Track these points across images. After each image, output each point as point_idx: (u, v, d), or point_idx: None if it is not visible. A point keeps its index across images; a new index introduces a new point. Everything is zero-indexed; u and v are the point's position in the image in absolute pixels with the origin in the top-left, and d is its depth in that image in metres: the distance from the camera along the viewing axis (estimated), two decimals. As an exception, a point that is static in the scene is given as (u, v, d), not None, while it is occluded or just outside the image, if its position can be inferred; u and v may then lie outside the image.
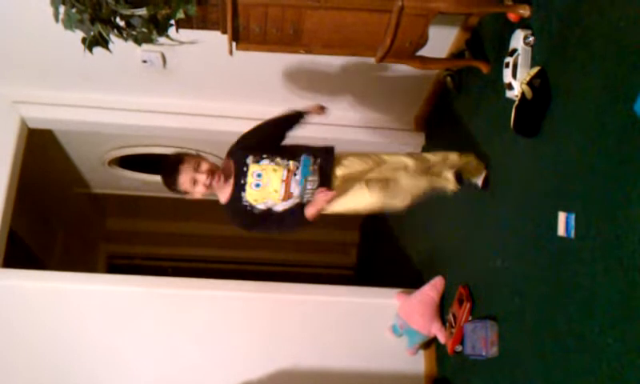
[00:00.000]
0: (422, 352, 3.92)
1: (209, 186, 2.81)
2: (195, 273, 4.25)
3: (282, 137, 3.02)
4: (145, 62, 3.87)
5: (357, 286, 4.31)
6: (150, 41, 2.65)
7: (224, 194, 2.89)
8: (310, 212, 2.86)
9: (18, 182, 4.19)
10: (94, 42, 2.59)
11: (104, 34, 2.55)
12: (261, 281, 4.08)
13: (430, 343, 3.87)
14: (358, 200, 3.04)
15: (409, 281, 4.11)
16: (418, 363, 3.91)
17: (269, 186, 2.83)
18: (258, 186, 2.84)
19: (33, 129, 4.34)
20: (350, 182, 3.03)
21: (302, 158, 2.90)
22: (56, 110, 4.23)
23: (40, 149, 4.61)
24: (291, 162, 2.87)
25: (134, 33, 2.61)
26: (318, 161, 2.94)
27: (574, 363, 2.25)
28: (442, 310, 3.69)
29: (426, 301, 3.67)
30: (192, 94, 4.27)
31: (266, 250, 6.96)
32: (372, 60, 3.12)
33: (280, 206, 2.90)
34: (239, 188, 2.85)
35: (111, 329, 3.85)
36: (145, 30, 2.60)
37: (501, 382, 2.88)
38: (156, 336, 3.87)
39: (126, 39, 2.64)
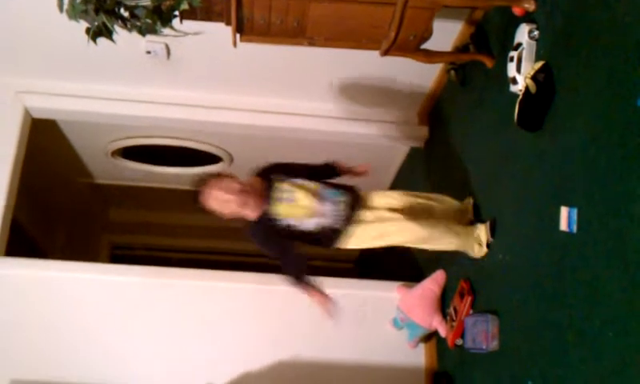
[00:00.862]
0: (422, 345, 3.93)
1: (241, 206, 2.83)
2: (197, 264, 4.25)
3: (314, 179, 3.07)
4: (149, 52, 3.87)
5: (358, 279, 4.29)
6: (154, 32, 2.66)
7: (254, 212, 2.90)
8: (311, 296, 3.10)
9: (21, 172, 4.20)
10: (98, 32, 2.59)
11: (108, 25, 2.56)
12: (262, 273, 4.09)
13: (431, 336, 3.87)
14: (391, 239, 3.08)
15: (410, 274, 4.12)
16: (419, 356, 3.92)
17: (299, 202, 2.90)
18: (290, 200, 2.89)
19: (36, 119, 4.34)
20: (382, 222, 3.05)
21: (331, 188, 2.99)
22: (60, 100, 4.23)
23: (43, 139, 4.61)
24: (321, 186, 2.97)
25: (138, 23, 2.61)
26: (347, 195, 3.01)
27: (574, 357, 2.26)
28: (443, 303, 3.69)
29: (427, 294, 3.68)
30: (196, 85, 4.27)
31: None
32: (376, 53, 3.12)
33: (305, 224, 2.93)
34: (269, 203, 2.89)
35: (113, 318, 3.87)
36: (149, 20, 2.60)
37: (501, 375, 2.89)
38: (157, 326, 3.89)
39: (130, 30, 2.64)
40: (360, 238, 3.03)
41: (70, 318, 3.85)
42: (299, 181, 2.97)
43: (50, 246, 6.43)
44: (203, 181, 2.88)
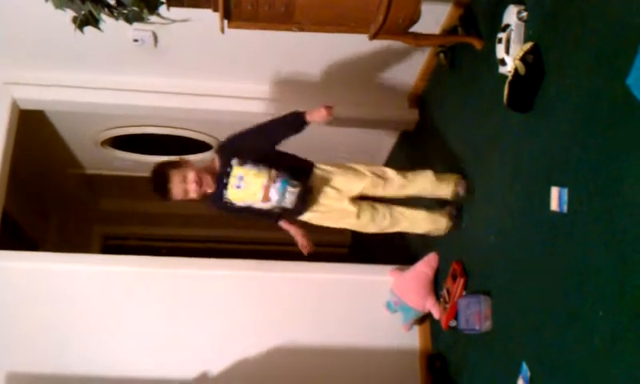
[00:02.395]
0: (416, 327, 3.96)
1: (199, 191, 3.03)
2: (190, 252, 4.25)
3: (278, 142, 3.18)
4: (136, 41, 3.84)
5: (351, 263, 4.31)
6: (140, 19, 2.64)
7: (211, 189, 3.09)
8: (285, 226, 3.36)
9: (10, 164, 4.17)
10: (85, 21, 2.57)
11: (94, 13, 2.54)
12: (256, 259, 4.10)
13: (425, 319, 3.90)
14: (346, 222, 3.40)
15: (403, 258, 4.13)
16: (413, 339, 3.95)
17: (249, 189, 3.03)
18: (239, 187, 3.04)
19: (24, 110, 4.31)
20: (338, 199, 3.29)
21: (282, 174, 3.05)
22: (47, 90, 4.20)
23: (32, 130, 4.58)
24: (273, 171, 3.03)
25: (125, 11, 2.60)
26: (297, 182, 3.09)
27: (566, 336, 2.28)
28: (436, 285, 3.71)
29: (420, 277, 3.70)
30: (184, 73, 4.24)
31: (260, 230, 6.96)
32: (365, 37, 3.11)
33: (258, 205, 3.09)
34: (222, 186, 3.06)
35: (107, 309, 3.87)
36: (135, 8, 2.58)
37: (495, 356, 2.91)
38: (151, 316, 3.89)
39: (116, 18, 2.62)
40: (318, 218, 3.33)
41: (64, 309, 3.84)
42: (250, 166, 3.03)
43: (42, 238, 6.41)
44: (162, 174, 3.02)
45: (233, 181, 3.03)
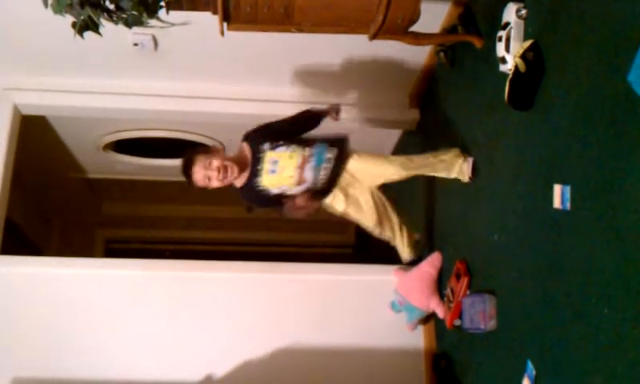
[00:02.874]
0: (421, 327, 3.95)
1: (222, 180, 2.99)
2: (193, 255, 4.26)
3: (298, 134, 3.16)
4: (136, 45, 3.84)
5: (355, 264, 4.30)
6: (140, 23, 2.64)
7: (240, 180, 3.07)
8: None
9: (13, 169, 4.18)
10: (85, 26, 2.57)
11: (94, 18, 2.53)
12: (259, 261, 4.10)
13: (429, 318, 3.90)
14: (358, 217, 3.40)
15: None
16: (418, 338, 3.95)
17: (284, 172, 3.02)
18: (273, 171, 3.02)
19: (26, 115, 4.31)
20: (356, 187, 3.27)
21: (318, 145, 3.05)
22: (49, 95, 4.21)
23: (34, 135, 4.59)
24: (307, 149, 3.03)
25: (124, 16, 2.59)
26: (334, 150, 3.10)
27: (571, 334, 2.27)
28: (440, 285, 3.71)
29: (424, 276, 3.69)
30: (185, 76, 4.24)
31: (263, 231, 6.97)
32: (365, 37, 3.10)
33: (294, 190, 3.06)
34: (254, 174, 3.03)
35: (110, 313, 3.88)
36: (135, 12, 2.58)
37: (500, 354, 2.91)
38: (155, 319, 3.90)
39: (116, 22, 2.62)
40: (340, 200, 3.27)
41: (67, 313, 3.85)
42: (283, 149, 3.03)
43: (45, 243, 6.42)
44: (189, 159, 3.02)
45: (267, 166, 3.01)
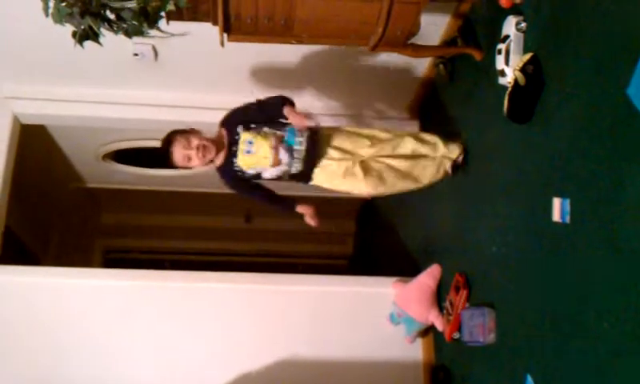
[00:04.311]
0: (419, 340, 3.94)
1: (202, 159, 3.05)
2: (191, 265, 4.25)
3: (267, 116, 3.17)
4: (136, 55, 3.85)
5: (353, 275, 4.29)
6: (140, 33, 2.64)
7: (218, 160, 3.12)
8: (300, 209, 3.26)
9: (12, 178, 4.17)
10: (85, 35, 2.57)
11: (94, 28, 2.54)
12: (257, 272, 4.08)
13: (428, 331, 3.88)
14: (353, 185, 3.26)
15: (405, 269, 4.11)
16: (416, 351, 3.93)
17: (259, 153, 3.05)
18: (249, 152, 3.06)
19: (25, 125, 4.31)
20: (348, 161, 3.19)
21: (288, 128, 3.09)
22: (48, 105, 4.20)
23: (33, 144, 4.58)
24: (279, 131, 3.08)
25: (125, 25, 2.60)
26: (306, 133, 3.11)
27: (571, 348, 2.26)
28: (439, 297, 3.69)
29: (423, 289, 3.68)
30: (185, 86, 4.24)
31: (261, 242, 6.96)
32: (364, 49, 3.11)
33: (269, 172, 3.11)
34: (232, 154, 3.08)
35: (108, 323, 3.85)
36: (135, 22, 2.58)
37: (499, 368, 2.89)
38: (153, 329, 3.88)
39: (116, 32, 2.62)
40: (326, 176, 3.22)
41: (66, 323, 3.83)
42: (259, 129, 3.07)
43: (43, 252, 6.41)
44: (168, 139, 3.07)
45: (242, 147, 3.05)
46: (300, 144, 3.08)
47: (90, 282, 3.95)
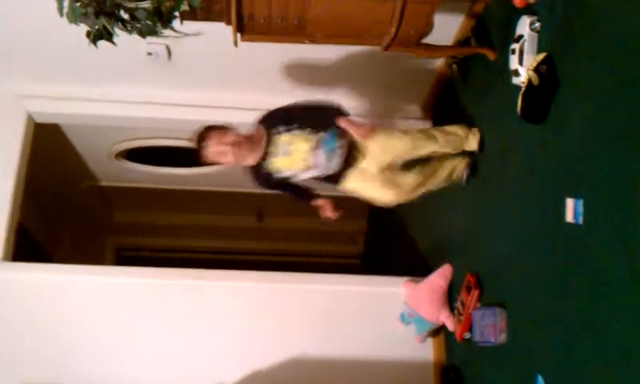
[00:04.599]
0: (430, 340, 3.93)
1: (236, 155, 3.00)
2: (203, 264, 4.27)
3: (311, 120, 3.12)
4: (150, 54, 3.87)
5: (364, 275, 4.29)
6: (154, 33, 2.65)
7: (252, 158, 3.06)
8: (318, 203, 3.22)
9: (25, 177, 4.21)
10: (99, 35, 2.58)
11: (108, 27, 2.55)
12: (268, 271, 4.09)
13: (439, 331, 3.87)
14: (374, 195, 3.27)
15: (417, 269, 4.11)
16: (427, 351, 3.93)
17: (296, 155, 3.02)
18: (286, 153, 3.03)
19: (39, 123, 4.35)
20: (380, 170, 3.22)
21: (329, 131, 3.06)
22: (62, 104, 4.24)
23: (47, 143, 4.62)
24: (319, 134, 3.04)
25: (139, 25, 2.61)
26: (344, 139, 3.10)
27: (581, 350, 2.25)
28: (450, 297, 3.69)
29: (435, 289, 3.68)
30: (198, 85, 4.26)
31: (273, 241, 6.97)
32: (378, 48, 3.11)
33: (305, 174, 3.11)
34: (267, 154, 3.05)
35: (120, 320, 3.88)
36: (149, 22, 2.59)
37: (510, 368, 2.89)
38: (165, 327, 3.90)
39: (130, 32, 2.63)
40: (357, 181, 3.22)
41: (77, 320, 3.86)
42: (297, 131, 3.03)
43: (56, 249, 6.45)
44: (201, 134, 3.02)
45: (280, 148, 3.03)
46: (340, 148, 3.08)
47: (102, 280, 3.98)
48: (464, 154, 3.44)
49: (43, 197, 5.54)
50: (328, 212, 3.23)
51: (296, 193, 3.26)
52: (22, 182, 4.18)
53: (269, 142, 3.04)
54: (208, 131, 3.01)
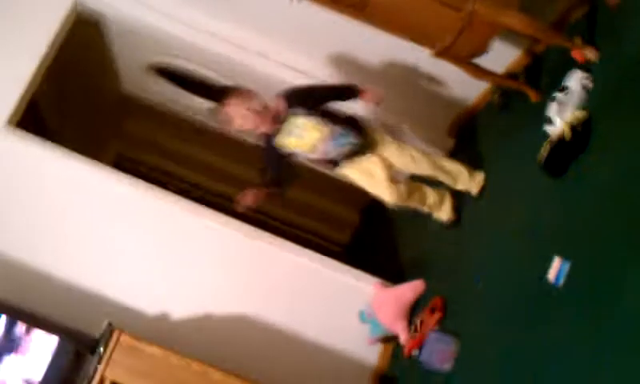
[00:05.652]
0: (379, 345, 3.92)
1: (256, 123, 3.14)
2: (195, 200, 4.26)
3: (329, 102, 3.27)
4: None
5: (342, 263, 4.27)
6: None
7: (264, 128, 3.19)
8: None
9: (53, 57, 4.19)
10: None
11: None
12: (254, 227, 4.10)
13: (390, 340, 3.85)
14: (376, 189, 3.37)
15: (391, 275, 4.09)
16: (373, 354, 3.93)
17: (305, 139, 3.16)
18: (297, 135, 3.16)
19: (81, 13, 4.30)
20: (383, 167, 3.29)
21: (347, 128, 3.18)
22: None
23: (81, 35, 4.57)
24: (336, 127, 3.16)
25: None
26: (359, 138, 3.23)
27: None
28: (412, 312, 3.67)
29: (401, 299, 3.67)
30: (249, 26, 4.21)
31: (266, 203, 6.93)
32: (427, 50, 3.09)
33: (308, 156, 3.26)
34: (278, 130, 3.17)
35: (97, 220, 3.92)
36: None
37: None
38: (136, 241, 3.94)
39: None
40: (354, 170, 3.32)
41: (60, 208, 3.89)
42: (313, 119, 3.14)
43: (60, 137, 6.43)
44: (229, 93, 3.15)
45: (293, 128, 3.14)
46: (350, 144, 3.19)
47: (98, 177, 4.00)
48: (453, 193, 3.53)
49: (64, 86, 5.53)
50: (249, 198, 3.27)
51: (279, 176, 3.35)
52: (48, 62, 4.15)
53: (284, 118, 3.15)
54: (236, 92, 3.15)
